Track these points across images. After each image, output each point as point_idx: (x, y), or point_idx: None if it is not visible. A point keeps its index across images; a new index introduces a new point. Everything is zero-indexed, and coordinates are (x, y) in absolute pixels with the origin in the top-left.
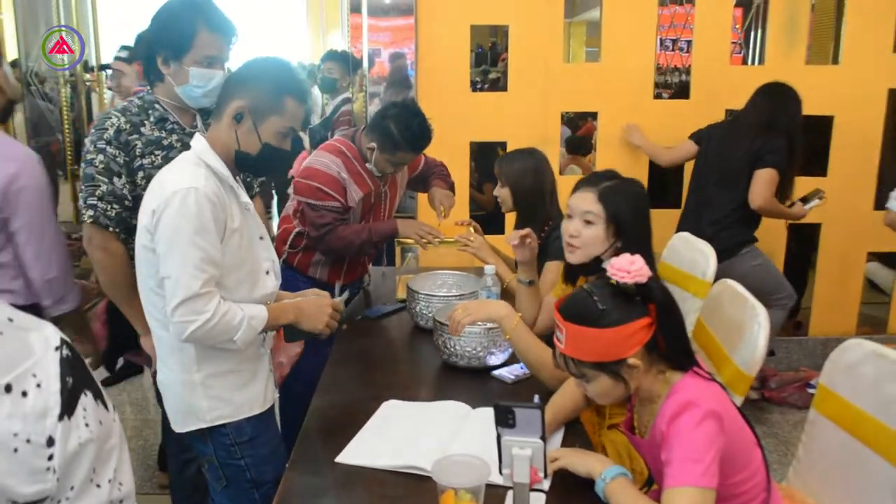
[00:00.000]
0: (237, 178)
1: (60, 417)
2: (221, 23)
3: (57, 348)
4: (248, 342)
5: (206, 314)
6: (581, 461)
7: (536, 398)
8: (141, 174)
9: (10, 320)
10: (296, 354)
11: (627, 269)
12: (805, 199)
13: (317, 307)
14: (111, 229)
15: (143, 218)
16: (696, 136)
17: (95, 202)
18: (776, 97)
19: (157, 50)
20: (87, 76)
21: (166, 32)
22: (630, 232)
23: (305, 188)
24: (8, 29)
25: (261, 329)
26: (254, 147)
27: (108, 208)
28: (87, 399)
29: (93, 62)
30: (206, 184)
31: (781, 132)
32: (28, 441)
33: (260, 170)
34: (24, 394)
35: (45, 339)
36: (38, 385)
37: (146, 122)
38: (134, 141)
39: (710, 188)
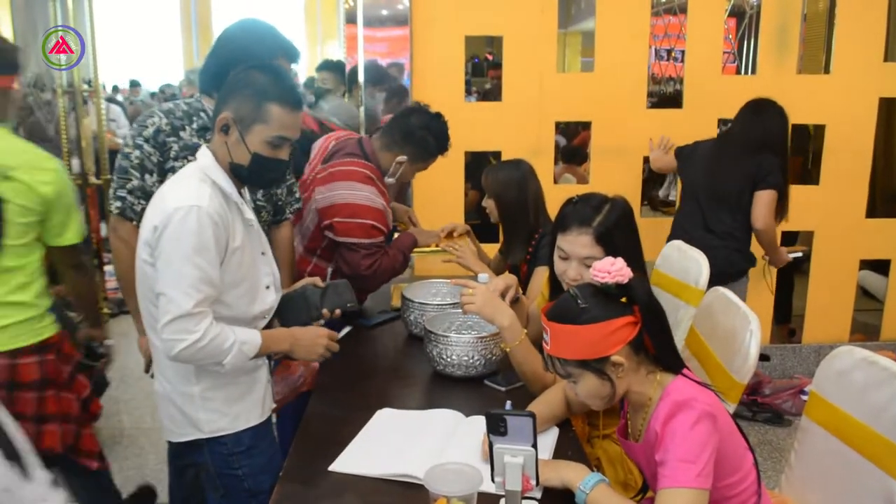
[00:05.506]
0: (242, 193)
1: None
2: (281, 45)
3: None
4: (237, 367)
5: (196, 334)
6: (555, 474)
7: (508, 404)
8: (171, 175)
9: None
10: (299, 384)
11: (608, 269)
12: (790, 249)
13: (312, 338)
14: (135, 223)
15: (144, 233)
16: (678, 152)
17: (125, 195)
18: (765, 114)
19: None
20: (85, 86)
21: (223, 49)
22: (626, 258)
23: (356, 228)
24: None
25: (252, 356)
26: (244, 158)
27: (136, 203)
28: None
29: (90, 70)
30: (210, 203)
31: (775, 151)
32: None
33: (254, 181)
34: None
35: None
36: None
37: (187, 126)
38: (171, 143)
39: (709, 210)
